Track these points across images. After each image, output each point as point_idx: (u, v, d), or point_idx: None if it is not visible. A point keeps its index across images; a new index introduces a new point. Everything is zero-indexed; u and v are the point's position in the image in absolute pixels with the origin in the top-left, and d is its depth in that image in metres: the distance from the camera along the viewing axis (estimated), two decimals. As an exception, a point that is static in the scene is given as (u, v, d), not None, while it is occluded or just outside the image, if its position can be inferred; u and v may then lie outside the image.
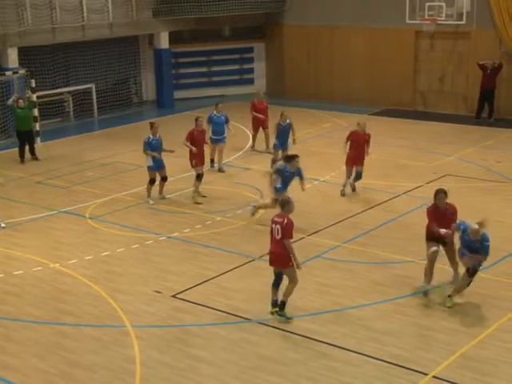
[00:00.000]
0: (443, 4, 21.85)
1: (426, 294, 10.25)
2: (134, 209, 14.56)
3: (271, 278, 11.02)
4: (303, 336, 9.35)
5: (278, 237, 9.58)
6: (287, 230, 9.54)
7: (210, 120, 16.74)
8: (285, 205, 9.83)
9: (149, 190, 14.78)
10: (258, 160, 17.78)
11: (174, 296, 10.58)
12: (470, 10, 21.80)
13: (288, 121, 16.57)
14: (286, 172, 12.99)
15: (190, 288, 10.84)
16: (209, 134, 16.29)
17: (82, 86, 23.47)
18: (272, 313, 9.85)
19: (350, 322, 9.68)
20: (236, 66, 27.31)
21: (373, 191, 15.05)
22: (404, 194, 15.03)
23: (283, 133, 16.54)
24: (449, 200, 14.48)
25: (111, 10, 22.68)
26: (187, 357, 8.92)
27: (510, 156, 17.75)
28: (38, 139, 19.69)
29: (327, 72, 25.25)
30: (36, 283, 11.16)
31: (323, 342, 9.17)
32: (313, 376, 8.46)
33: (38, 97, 20.23)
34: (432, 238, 10.25)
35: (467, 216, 13.52)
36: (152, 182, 14.74)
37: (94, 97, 23.70)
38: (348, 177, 14.96)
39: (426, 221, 13.37)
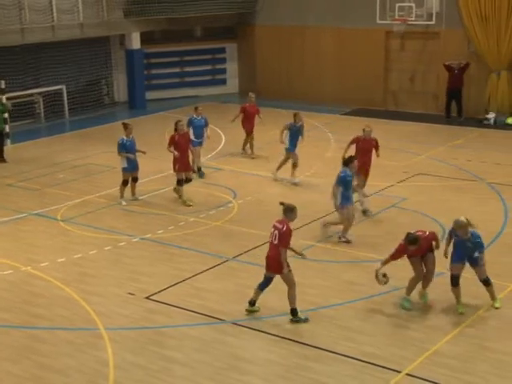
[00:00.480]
0: (413, 4, 22.08)
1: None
2: (107, 210, 14.46)
3: (245, 279, 11.05)
4: (278, 336, 9.36)
5: (275, 242, 9.48)
6: (284, 237, 9.41)
7: (190, 123, 16.50)
8: (288, 211, 9.54)
9: (122, 192, 14.69)
10: (231, 161, 17.78)
11: (147, 298, 10.53)
12: (440, 10, 22.06)
13: (300, 122, 15.90)
14: (349, 177, 12.12)
15: (163, 289, 10.80)
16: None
17: (52, 87, 23.26)
18: (249, 311, 9.85)
19: (324, 322, 9.72)
20: (208, 67, 27.29)
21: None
22: (376, 193, 15.13)
23: (295, 134, 15.76)
24: (421, 198, 14.69)
25: (81, 10, 22.51)
26: (161, 358, 8.89)
27: (479, 155, 17.98)
28: (8, 141, 19.46)
29: (299, 72, 25.34)
30: (7, 287, 11.02)
31: (298, 342, 9.20)
32: (287, 376, 8.48)
33: (7, 98, 20.00)
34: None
35: (438, 214, 13.72)
36: (125, 183, 14.66)
37: (65, 98, 23.51)
38: (362, 187, 13.75)
39: (398, 219, 13.54)
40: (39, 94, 23.05)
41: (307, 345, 9.13)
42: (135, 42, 24.67)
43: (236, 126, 18.14)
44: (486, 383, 8.22)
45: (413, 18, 22.10)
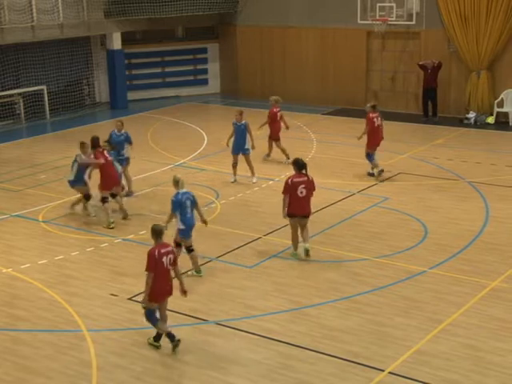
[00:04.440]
0: (394, 5, 22.18)
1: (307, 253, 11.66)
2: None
3: (229, 279, 11.06)
4: (260, 336, 9.38)
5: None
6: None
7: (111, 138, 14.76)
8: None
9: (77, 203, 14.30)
10: (214, 161, 17.77)
11: (130, 299, 10.49)
12: (420, 10, 22.20)
13: (244, 121, 15.82)
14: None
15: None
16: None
17: (33, 88, 23.08)
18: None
19: (306, 321, 9.75)
20: (190, 67, 27.23)
21: (327, 190, 15.17)
22: (358, 192, 15.20)
23: (241, 134, 15.73)
24: (402, 197, 14.79)
25: (61, 10, 22.33)
26: (144, 360, 8.86)
27: (460, 154, 18.12)
28: (-11, 142, 19.33)
29: (281, 72, 25.38)
30: (-12, 289, 10.95)
31: (280, 341, 9.22)
32: (270, 375, 8.49)
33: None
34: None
35: (420, 213, 13.82)
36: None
37: (46, 98, 23.34)
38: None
39: (380, 219, 13.62)
40: (19, 94, 22.85)
41: (290, 344, 9.15)
42: (116, 43, 24.55)
43: (218, 126, 18.08)
44: (468, 381, 8.29)
45: (393, 18, 22.21)
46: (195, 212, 11.09)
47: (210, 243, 12.54)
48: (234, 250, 12.25)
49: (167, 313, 9.23)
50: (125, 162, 14.86)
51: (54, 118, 23.36)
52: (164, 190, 15.44)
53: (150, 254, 8.86)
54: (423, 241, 12.47)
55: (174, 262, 9.08)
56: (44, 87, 23.25)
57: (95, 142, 13.68)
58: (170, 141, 19.74)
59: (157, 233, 8.99)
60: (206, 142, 19.30)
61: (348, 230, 13.10)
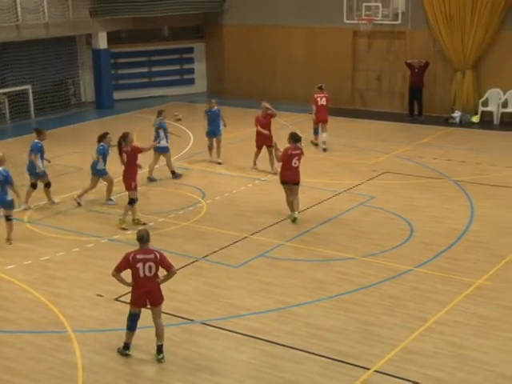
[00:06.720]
0: (379, 4, 22.25)
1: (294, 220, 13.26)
2: (75, 212, 14.34)
3: (215, 279, 11.06)
4: (246, 335, 9.38)
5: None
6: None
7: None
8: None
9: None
10: (200, 161, 17.75)
11: (116, 299, 10.46)
12: (405, 10, 22.29)
13: (216, 107, 17.23)
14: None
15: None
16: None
17: (18, 88, 22.95)
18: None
19: (292, 320, 9.76)
20: (176, 67, 27.20)
21: (314, 189, 15.21)
22: (345, 191, 15.24)
23: (213, 120, 17.20)
24: (388, 196, 14.85)
25: (47, 9, 22.24)
26: (130, 360, 8.84)
27: (445, 153, 18.21)
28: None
29: (267, 71, 25.39)
30: (-27, 290, 10.88)
31: (266, 341, 9.22)
32: (257, 375, 8.50)
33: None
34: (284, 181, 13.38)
35: (405, 212, 13.88)
36: (34, 186, 14.46)
37: (31, 98, 23.22)
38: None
39: (367, 218, 13.67)
40: (4, 94, 22.73)
41: (277, 344, 9.15)
42: (102, 42, 24.47)
43: (204, 126, 18.04)
44: (453, 378, 8.34)
45: (379, 18, 22.28)
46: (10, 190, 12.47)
47: (196, 243, 12.53)
48: (220, 249, 12.25)
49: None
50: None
51: (39, 118, 23.23)
52: (152, 189, 15.43)
53: (124, 256, 8.77)
54: (409, 239, 12.53)
55: (156, 273, 8.75)
56: (29, 87, 23.12)
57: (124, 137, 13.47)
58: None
59: (138, 238, 8.83)
60: (192, 141, 19.27)
61: (334, 229, 13.13)
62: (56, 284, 11.06)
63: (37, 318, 9.95)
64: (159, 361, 8.78)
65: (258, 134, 16.56)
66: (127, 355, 8.88)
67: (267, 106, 16.73)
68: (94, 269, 11.59)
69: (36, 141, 14.46)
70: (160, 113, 16.30)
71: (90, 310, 10.19)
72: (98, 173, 14.54)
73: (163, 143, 15.98)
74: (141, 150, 13.53)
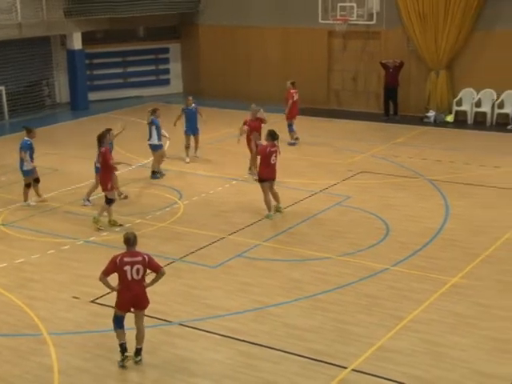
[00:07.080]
0: (354, 4, 22.36)
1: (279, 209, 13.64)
2: (50, 214, 14.22)
3: (192, 280, 11.04)
4: (224, 336, 9.37)
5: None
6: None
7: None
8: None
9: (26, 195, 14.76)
10: (176, 161, 17.70)
11: (92, 301, 10.39)
12: (380, 10, 22.42)
13: (193, 105, 17.42)
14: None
15: (109, 292, 10.59)
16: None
17: (-9, 89, 22.74)
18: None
19: (270, 320, 9.77)
20: (152, 67, 27.08)
21: (290, 189, 15.25)
22: (321, 191, 15.30)
23: (191, 117, 17.39)
24: (364, 196, 14.93)
25: (20, 9, 22.02)
26: (107, 362, 8.79)
27: (420, 152, 18.35)
28: None
29: (243, 72, 25.39)
30: None
31: (244, 341, 9.23)
32: (234, 375, 8.50)
33: None
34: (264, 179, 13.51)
35: (381, 211, 13.96)
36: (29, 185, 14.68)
37: (5, 99, 22.98)
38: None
39: (343, 217, 13.73)
40: (-23, 95, 22.50)
41: (254, 344, 9.16)
42: (76, 43, 24.28)
43: (180, 126, 18.00)
44: (429, 376, 8.40)
45: (354, 18, 22.38)
46: None
47: (173, 244, 12.50)
48: (197, 250, 12.22)
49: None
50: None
51: (13, 119, 22.98)
52: (128, 190, 15.35)
53: (111, 259, 8.66)
54: (385, 239, 12.61)
55: (143, 276, 8.64)
56: (3, 88, 22.88)
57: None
58: (132, 141, 19.57)
59: (125, 241, 8.69)
60: (168, 142, 19.18)
61: (311, 229, 13.17)
62: (31, 286, 10.96)
63: (12, 321, 9.85)
64: (136, 363, 8.74)
65: (248, 138, 15.81)
66: (127, 358, 8.71)
67: (257, 109, 16.25)
68: (70, 271, 11.50)
69: (26, 139, 14.67)
70: (154, 111, 16.28)
71: (66, 312, 10.11)
72: (98, 170, 14.45)
73: (153, 141, 16.04)
74: (108, 160, 13.17)
